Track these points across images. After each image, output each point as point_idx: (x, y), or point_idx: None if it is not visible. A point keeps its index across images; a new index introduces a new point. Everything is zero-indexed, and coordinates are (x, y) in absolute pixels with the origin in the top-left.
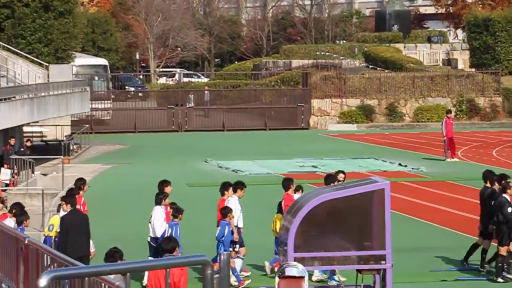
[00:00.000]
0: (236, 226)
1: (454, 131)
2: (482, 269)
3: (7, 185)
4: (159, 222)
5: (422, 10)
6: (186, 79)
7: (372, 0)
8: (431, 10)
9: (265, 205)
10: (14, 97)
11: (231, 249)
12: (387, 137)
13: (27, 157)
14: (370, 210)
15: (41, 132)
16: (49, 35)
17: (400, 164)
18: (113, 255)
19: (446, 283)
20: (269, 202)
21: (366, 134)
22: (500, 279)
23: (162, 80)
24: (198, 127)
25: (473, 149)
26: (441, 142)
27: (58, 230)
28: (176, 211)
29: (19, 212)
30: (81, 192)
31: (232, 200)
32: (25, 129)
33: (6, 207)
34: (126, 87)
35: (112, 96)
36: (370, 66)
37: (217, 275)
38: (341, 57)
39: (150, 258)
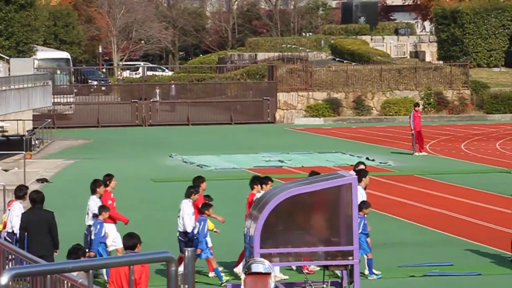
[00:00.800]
0: None
1: (422, 124)
2: None
3: None
4: (188, 216)
5: (389, 1)
6: (150, 73)
7: None
8: (398, 1)
9: (232, 200)
10: None
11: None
12: (354, 131)
13: None
14: (337, 205)
15: (2, 127)
16: (10, 28)
17: (367, 158)
18: (76, 252)
19: (414, 278)
20: (236, 197)
21: (333, 128)
22: None
23: (126, 73)
24: (162, 121)
25: (442, 142)
26: (409, 135)
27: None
28: (203, 206)
29: None
30: (108, 188)
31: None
32: None
33: None
34: (89, 81)
35: (75, 90)
36: (337, 59)
37: (181, 272)
38: (307, 50)
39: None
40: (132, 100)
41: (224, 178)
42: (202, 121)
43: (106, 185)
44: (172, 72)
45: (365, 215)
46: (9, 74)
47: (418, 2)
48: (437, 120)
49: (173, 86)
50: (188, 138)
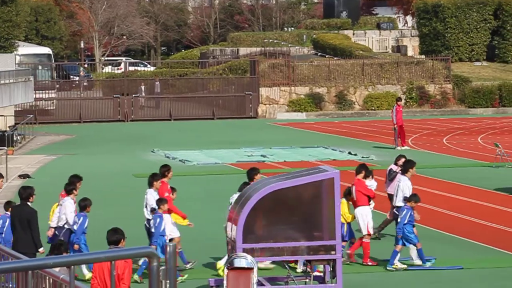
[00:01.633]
0: None
1: (404, 119)
2: None
3: None
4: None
5: None
6: (132, 68)
7: None
8: None
9: (214, 195)
10: None
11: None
12: (336, 126)
13: None
14: (319, 199)
15: None
16: None
17: (350, 153)
18: (58, 247)
19: (396, 272)
20: (219, 192)
21: (315, 123)
22: None
23: (108, 69)
24: (144, 116)
25: (424, 137)
26: (391, 130)
27: None
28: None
29: None
30: (165, 179)
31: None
32: None
33: None
34: (71, 77)
35: (57, 86)
36: (319, 54)
37: (163, 267)
38: (289, 45)
39: None
40: (114, 96)
41: (206, 173)
42: (184, 116)
43: (164, 176)
44: (154, 68)
45: (412, 207)
46: None
47: None
48: (419, 114)
49: (157, 83)
50: (171, 133)
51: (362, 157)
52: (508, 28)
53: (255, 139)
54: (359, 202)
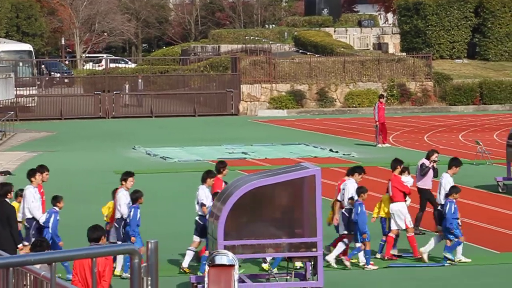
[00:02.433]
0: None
1: (385, 116)
2: None
3: None
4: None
5: None
6: (113, 65)
7: None
8: None
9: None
10: None
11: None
12: (317, 123)
13: None
14: (301, 196)
15: None
16: None
17: (331, 150)
18: (40, 244)
19: (377, 270)
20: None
21: (297, 120)
22: None
23: (89, 65)
24: (125, 113)
25: (405, 134)
26: (373, 127)
27: None
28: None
29: None
30: (220, 176)
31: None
32: None
33: None
34: (52, 73)
35: (38, 82)
36: (300, 51)
37: (144, 264)
38: (271, 42)
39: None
40: (96, 93)
41: (187, 170)
42: (165, 113)
43: (220, 172)
44: (135, 64)
45: (455, 199)
46: None
47: None
48: (400, 111)
49: (140, 80)
50: (152, 130)
51: (343, 154)
52: (489, 25)
53: (236, 136)
54: (395, 198)
